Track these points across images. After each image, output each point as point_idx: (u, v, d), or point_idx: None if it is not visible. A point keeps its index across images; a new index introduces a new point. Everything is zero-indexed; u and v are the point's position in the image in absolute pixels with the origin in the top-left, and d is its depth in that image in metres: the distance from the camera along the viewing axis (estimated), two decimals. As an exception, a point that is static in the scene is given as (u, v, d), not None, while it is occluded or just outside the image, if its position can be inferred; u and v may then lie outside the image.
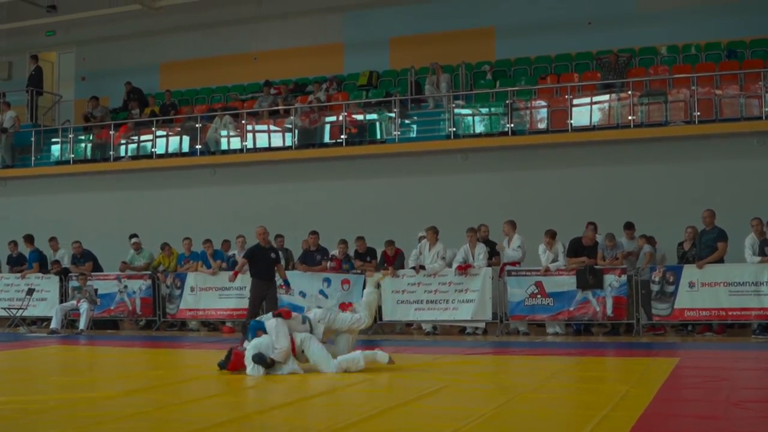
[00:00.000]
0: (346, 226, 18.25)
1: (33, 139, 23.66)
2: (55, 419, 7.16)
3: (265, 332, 10.03)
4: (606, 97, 18.92)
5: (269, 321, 10.24)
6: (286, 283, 14.59)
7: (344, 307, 10.89)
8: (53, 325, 17.42)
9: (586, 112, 18.93)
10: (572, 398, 8.18)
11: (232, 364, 10.00)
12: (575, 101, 18.92)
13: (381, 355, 10.20)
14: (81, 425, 6.80)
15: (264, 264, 14.21)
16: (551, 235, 15.73)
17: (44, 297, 18.99)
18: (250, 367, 9.79)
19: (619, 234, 16.02)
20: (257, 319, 10.70)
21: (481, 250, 16.00)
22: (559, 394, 8.53)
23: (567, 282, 15.41)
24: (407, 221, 18.49)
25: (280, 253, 16.19)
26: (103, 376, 10.59)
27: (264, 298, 14.12)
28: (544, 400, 8.02)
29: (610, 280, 15.16)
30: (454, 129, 19.42)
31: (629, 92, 18.52)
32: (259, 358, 9.75)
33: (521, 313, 15.73)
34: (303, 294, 16.50)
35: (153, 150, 22.15)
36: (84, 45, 26.46)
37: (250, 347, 9.91)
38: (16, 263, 19.90)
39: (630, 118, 18.22)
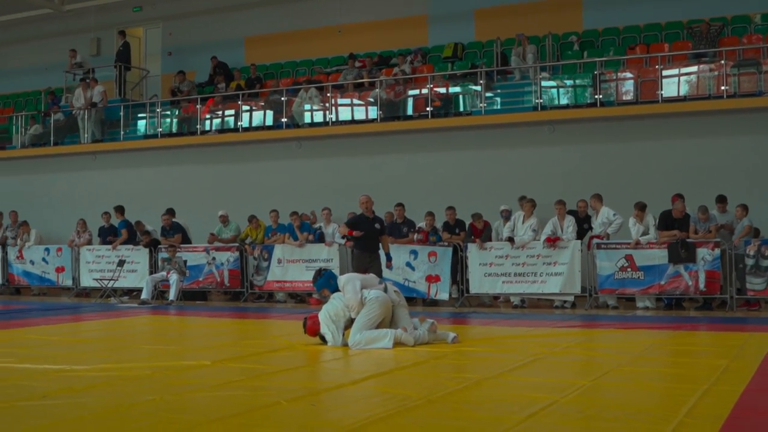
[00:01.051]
0: (430, 199, 18.20)
1: (121, 113, 24.00)
2: (152, 386, 7.23)
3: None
4: (696, 67, 18.47)
5: (342, 276, 10.34)
6: (388, 257, 13.73)
7: None
8: (144, 295, 17.71)
9: (676, 83, 18.52)
10: (671, 372, 8.02)
11: (310, 327, 10.02)
12: (665, 72, 18.50)
13: (405, 337, 9.76)
14: (177, 392, 6.85)
15: (368, 235, 13.31)
16: (641, 207, 15.46)
17: (134, 269, 19.34)
18: (330, 336, 9.81)
19: (711, 207, 15.66)
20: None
21: (570, 222, 15.81)
22: (656, 368, 8.36)
23: (658, 255, 15.13)
24: (493, 194, 18.35)
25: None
26: (194, 346, 10.68)
27: (366, 271, 12.53)
28: (643, 374, 7.86)
29: (703, 253, 14.84)
30: (541, 101, 19.17)
31: (721, 62, 18.01)
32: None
33: (611, 287, 15.51)
34: (389, 267, 16.47)
35: (239, 124, 22.30)
36: (170, 20, 26.74)
37: (323, 320, 9.90)
38: (108, 235, 20.25)
39: (723, 88, 17.74)
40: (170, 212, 19.38)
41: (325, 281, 10.39)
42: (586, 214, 16.32)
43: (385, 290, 10.00)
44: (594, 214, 16.05)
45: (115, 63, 25.51)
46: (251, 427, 5.52)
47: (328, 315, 9.85)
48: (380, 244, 13.59)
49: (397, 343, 9.63)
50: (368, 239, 13.33)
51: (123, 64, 25.55)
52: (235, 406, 6.23)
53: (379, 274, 12.52)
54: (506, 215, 16.78)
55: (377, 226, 13.42)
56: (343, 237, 17.04)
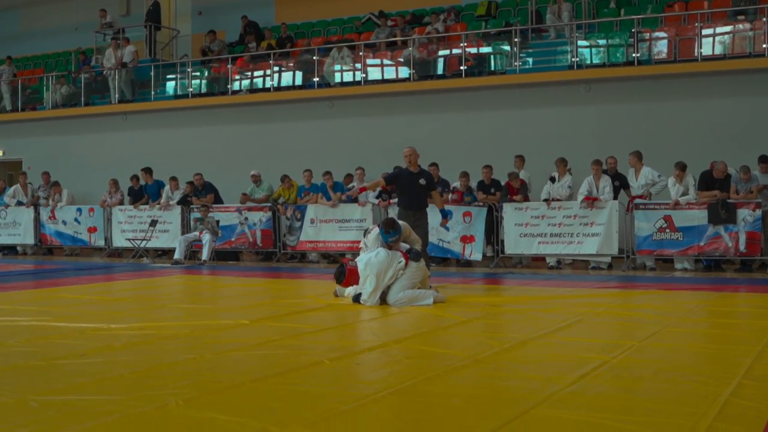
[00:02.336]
0: (464, 159, 17.98)
1: (152, 74, 23.88)
2: (191, 345, 7.15)
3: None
4: (737, 25, 18.07)
5: (374, 230, 10.49)
6: (443, 214, 12.24)
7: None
8: (177, 255, 17.66)
9: (714, 41, 18.14)
10: (718, 333, 7.83)
11: (347, 280, 10.01)
12: (704, 30, 18.11)
13: (440, 298, 10.06)
14: (217, 351, 6.76)
15: (411, 190, 11.79)
16: (681, 167, 15.18)
17: (167, 229, 19.27)
18: (369, 291, 9.71)
19: (754, 167, 15.36)
20: None
21: (606, 182, 15.56)
22: (703, 329, 8.18)
23: (697, 216, 14.85)
24: (528, 153, 18.12)
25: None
26: (230, 305, 10.58)
27: (413, 229, 11.38)
28: (690, 335, 7.68)
29: (744, 214, 14.54)
30: (577, 59, 18.85)
31: (763, 19, 17.60)
32: (415, 256, 10.01)
33: (648, 248, 15.26)
34: (444, 226, 16.25)
35: (270, 84, 22.12)
36: (200, -21, 26.58)
37: (365, 275, 9.82)
38: (138, 196, 20.21)
39: (764, 46, 17.34)
40: (199, 175, 19.27)
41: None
42: (616, 172, 16.05)
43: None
44: (633, 173, 15.77)
45: (146, 23, 25.36)
46: (296, 386, 5.39)
47: (372, 269, 9.73)
48: (427, 202, 12.12)
49: (436, 302, 9.80)
50: (412, 196, 11.80)
51: (153, 24, 25.39)
52: (278, 365, 6.12)
53: (425, 234, 11.59)
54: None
55: (422, 181, 11.79)
56: (377, 197, 16.94)
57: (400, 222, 10.59)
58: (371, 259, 9.83)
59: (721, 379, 5.45)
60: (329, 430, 4.36)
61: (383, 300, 9.77)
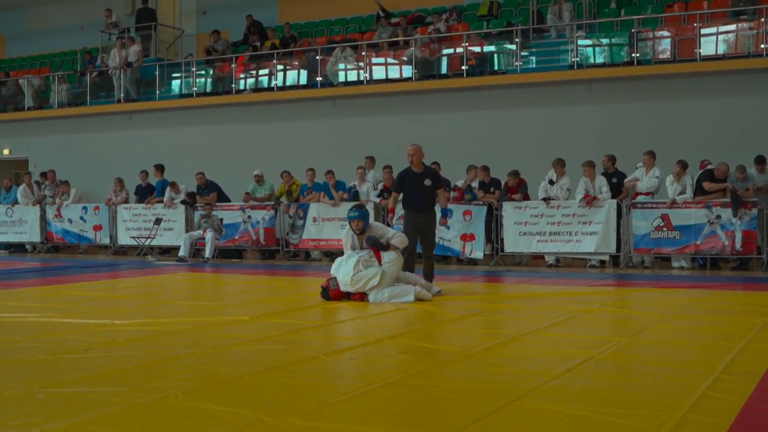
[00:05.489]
0: (466, 158, 18.15)
1: (157, 73, 24.10)
2: (192, 340, 7.35)
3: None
4: (736, 25, 18.24)
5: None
6: (443, 213, 11.74)
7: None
8: (181, 252, 17.90)
9: (714, 41, 18.31)
10: (708, 329, 8.01)
11: (334, 297, 10.17)
12: (703, 30, 18.28)
13: (424, 294, 10.31)
14: (218, 346, 6.96)
15: (416, 191, 11.24)
16: (683, 165, 15.37)
17: (171, 227, 19.50)
18: (372, 292, 9.93)
19: (750, 167, 15.53)
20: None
21: (602, 182, 15.74)
22: (693, 326, 8.36)
23: (694, 215, 15.06)
24: (529, 153, 18.34)
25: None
26: (232, 302, 10.81)
27: (420, 232, 11.27)
28: (679, 331, 7.87)
29: (740, 213, 14.75)
30: (577, 59, 19.03)
31: (761, 20, 17.77)
32: (373, 242, 10.20)
33: (646, 246, 15.47)
34: (444, 224, 16.44)
35: (274, 83, 22.33)
36: (204, -21, 26.80)
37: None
38: (146, 193, 20.42)
39: (762, 46, 17.52)
40: (202, 173, 19.48)
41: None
42: (615, 170, 16.21)
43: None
44: (644, 171, 15.89)
45: (137, 23, 25.70)
46: (291, 379, 5.61)
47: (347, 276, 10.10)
48: (435, 203, 11.62)
49: (417, 299, 10.01)
50: (417, 197, 11.25)
51: (144, 24, 25.77)
52: (275, 360, 6.33)
53: (432, 237, 11.44)
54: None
55: (427, 182, 11.25)
56: (378, 195, 17.13)
57: (374, 222, 11.01)
58: (341, 267, 10.20)
59: (702, 374, 5.65)
60: (321, 420, 4.56)
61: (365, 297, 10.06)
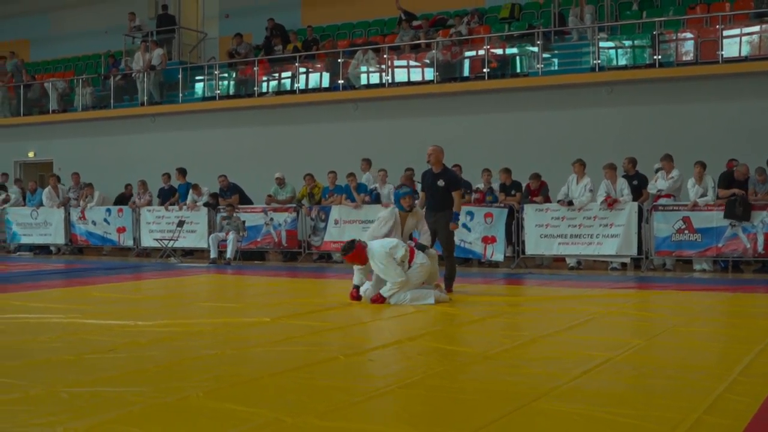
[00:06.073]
0: (487, 160, 18.18)
1: (179, 76, 24.26)
2: (213, 341, 7.44)
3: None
4: (758, 27, 18.17)
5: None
6: (453, 218, 11.40)
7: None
8: (213, 255, 18.14)
9: (737, 42, 18.25)
10: (726, 332, 8.04)
11: (352, 255, 10.19)
12: (726, 32, 18.23)
13: (443, 297, 10.36)
14: (238, 347, 7.06)
15: (431, 191, 11.44)
16: (702, 165, 15.33)
17: (194, 229, 19.61)
18: (391, 295, 9.98)
19: (771, 169, 15.48)
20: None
21: (623, 184, 15.72)
22: (712, 328, 8.38)
23: (716, 217, 15.00)
24: (550, 155, 18.34)
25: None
26: (253, 303, 10.91)
27: (434, 232, 11.29)
28: (698, 334, 7.89)
29: (762, 215, 14.68)
30: (599, 62, 19.02)
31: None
32: (420, 247, 10.34)
33: (667, 249, 15.44)
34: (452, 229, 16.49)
35: (296, 86, 22.43)
36: (227, -18, 26.95)
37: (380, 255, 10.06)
38: (169, 196, 20.56)
39: (785, 48, 17.50)
40: (224, 176, 19.60)
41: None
42: (636, 172, 16.18)
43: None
44: (664, 174, 15.87)
45: (158, 28, 25.89)
46: (311, 380, 5.67)
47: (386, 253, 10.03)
48: (449, 204, 11.47)
49: (437, 302, 10.06)
50: (431, 196, 11.44)
51: (165, 29, 25.94)
52: (295, 361, 6.40)
53: (446, 236, 11.39)
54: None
55: (441, 182, 11.34)
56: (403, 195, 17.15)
57: (419, 210, 11.07)
58: (377, 251, 10.08)
59: (718, 376, 5.68)
60: (339, 420, 4.62)
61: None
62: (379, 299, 10.08)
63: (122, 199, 21.73)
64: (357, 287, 10.49)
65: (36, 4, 30.26)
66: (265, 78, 23.08)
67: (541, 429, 4.57)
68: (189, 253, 20.19)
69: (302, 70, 22.59)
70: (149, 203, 20.86)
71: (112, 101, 25.05)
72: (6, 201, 22.96)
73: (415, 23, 22.20)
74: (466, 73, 20.62)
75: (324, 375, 5.87)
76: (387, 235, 10.66)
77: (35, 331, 7.87)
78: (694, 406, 4.83)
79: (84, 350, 6.77)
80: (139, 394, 5.16)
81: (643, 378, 5.82)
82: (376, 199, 17.81)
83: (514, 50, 20.37)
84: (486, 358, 6.44)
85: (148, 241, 20.40)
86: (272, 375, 5.80)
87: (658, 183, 15.78)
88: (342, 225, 18.06)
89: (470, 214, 16.55)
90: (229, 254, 17.97)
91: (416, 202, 11.09)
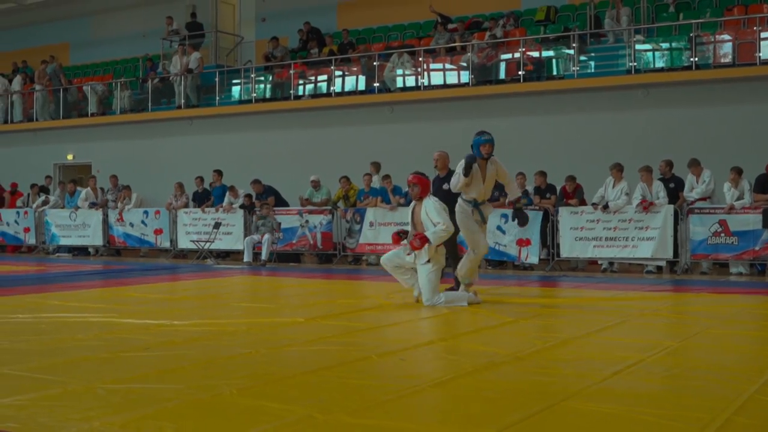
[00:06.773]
0: (522, 163, 18.13)
1: (217, 79, 24.46)
2: (248, 341, 7.50)
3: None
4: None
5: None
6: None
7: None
8: (246, 258, 18.22)
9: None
10: (759, 335, 8.01)
11: (423, 182, 10.53)
12: (763, 33, 18.08)
13: (476, 300, 10.37)
14: (272, 346, 7.13)
15: (438, 195, 11.34)
16: (737, 171, 15.25)
17: (230, 231, 19.76)
18: (427, 292, 10.01)
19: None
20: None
21: (659, 187, 15.66)
22: (745, 331, 8.35)
23: (752, 220, 14.91)
24: (585, 158, 18.29)
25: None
26: (288, 304, 11.01)
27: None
28: (731, 336, 7.86)
29: (775, 224, 14.60)
30: (635, 64, 18.94)
31: (824, 23, 17.58)
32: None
33: (703, 252, 15.36)
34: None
35: (332, 89, 22.54)
36: (264, -14, 27.12)
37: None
38: (203, 199, 20.73)
39: (824, 50, 17.33)
40: (257, 181, 19.72)
41: None
42: (672, 175, 16.11)
43: None
44: (694, 179, 15.80)
45: (188, 33, 26.17)
46: (343, 378, 5.73)
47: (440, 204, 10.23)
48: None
49: (470, 304, 10.11)
50: (441, 200, 11.03)
51: (195, 33, 26.19)
52: (328, 360, 6.46)
53: (452, 241, 11.31)
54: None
55: (446, 186, 11.47)
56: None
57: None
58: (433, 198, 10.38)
59: (750, 378, 5.66)
60: (369, 418, 4.67)
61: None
62: (424, 239, 10.04)
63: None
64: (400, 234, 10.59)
65: (77, 9, 30.64)
66: (301, 81, 23.20)
67: (571, 428, 4.59)
68: (225, 255, 20.35)
69: (338, 73, 22.69)
70: (186, 205, 21.04)
71: (149, 104, 25.30)
72: (46, 203, 23.27)
73: (451, 26, 22.23)
74: (501, 75, 20.61)
75: (356, 374, 5.94)
76: (468, 184, 10.55)
77: (73, 329, 8.00)
78: (725, 407, 4.83)
79: (120, 348, 6.89)
80: (174, 391, 5.24)
81: (674, 379, 5.83)
82: (410, 201, 17.79)
83: (550, 53, 20.34)
84: (517, 359, 6.47)
85: (184, 242, 20.57)
86: (305, 373, 5.86)
87: (694, 192, 15.70)
88: (377, 227, 18.12)
89: (505, 216, 16.54)
90: (264, 255, 18.08)
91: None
